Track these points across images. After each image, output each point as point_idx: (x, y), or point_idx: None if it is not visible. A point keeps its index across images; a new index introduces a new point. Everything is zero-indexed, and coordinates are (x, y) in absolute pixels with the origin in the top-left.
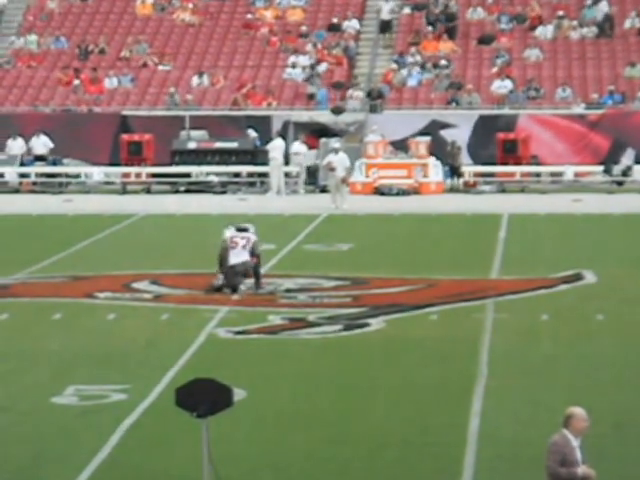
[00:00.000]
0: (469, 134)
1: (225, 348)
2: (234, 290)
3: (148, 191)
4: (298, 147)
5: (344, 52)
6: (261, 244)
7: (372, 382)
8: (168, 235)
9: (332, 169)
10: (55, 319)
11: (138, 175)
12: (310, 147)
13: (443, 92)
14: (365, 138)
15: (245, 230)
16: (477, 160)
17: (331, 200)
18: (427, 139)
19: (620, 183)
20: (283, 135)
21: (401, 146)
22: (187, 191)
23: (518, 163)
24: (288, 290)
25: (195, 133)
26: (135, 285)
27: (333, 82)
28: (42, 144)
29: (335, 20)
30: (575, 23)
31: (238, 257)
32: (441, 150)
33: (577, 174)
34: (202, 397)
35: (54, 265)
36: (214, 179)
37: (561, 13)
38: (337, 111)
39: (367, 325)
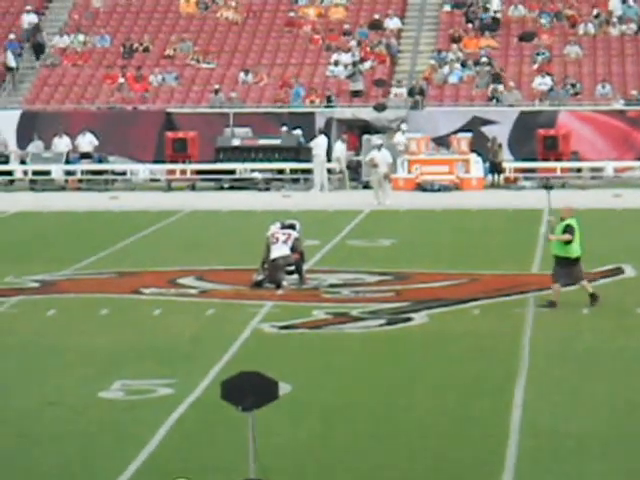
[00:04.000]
0: (510, 130)
1: (270, 343)
2: (277, 285)
3: (193, 188)
4: (340, 148)
5: (386, 50)
6: (304, 240)
7: (415, 375)
8: (213, 231)
9: (375, 165)
10: (102, 315)
11: (183, 172)
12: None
13: (484, 89)
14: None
15: (291, 227)
16: (518, 156)
17: (374, 196)
18: (468, 135)
19: None
20: (326, 132)
21: (443, 142)
22: (231, 188)
23: (558, 159)
24: (332, 285)
25: (239, 130)
26: (180, 281)
27: (375, 79)
28: (88, 142)
29: (377, 17)
30: (615, 20)
31: (279, 251)
32: (482, 146)
33: (617, 170)
34: (248, 391)
35: (100, 261)
36: (258, 176)
37: (598, 11)
38: (379, 108)
39: (410, 319)
